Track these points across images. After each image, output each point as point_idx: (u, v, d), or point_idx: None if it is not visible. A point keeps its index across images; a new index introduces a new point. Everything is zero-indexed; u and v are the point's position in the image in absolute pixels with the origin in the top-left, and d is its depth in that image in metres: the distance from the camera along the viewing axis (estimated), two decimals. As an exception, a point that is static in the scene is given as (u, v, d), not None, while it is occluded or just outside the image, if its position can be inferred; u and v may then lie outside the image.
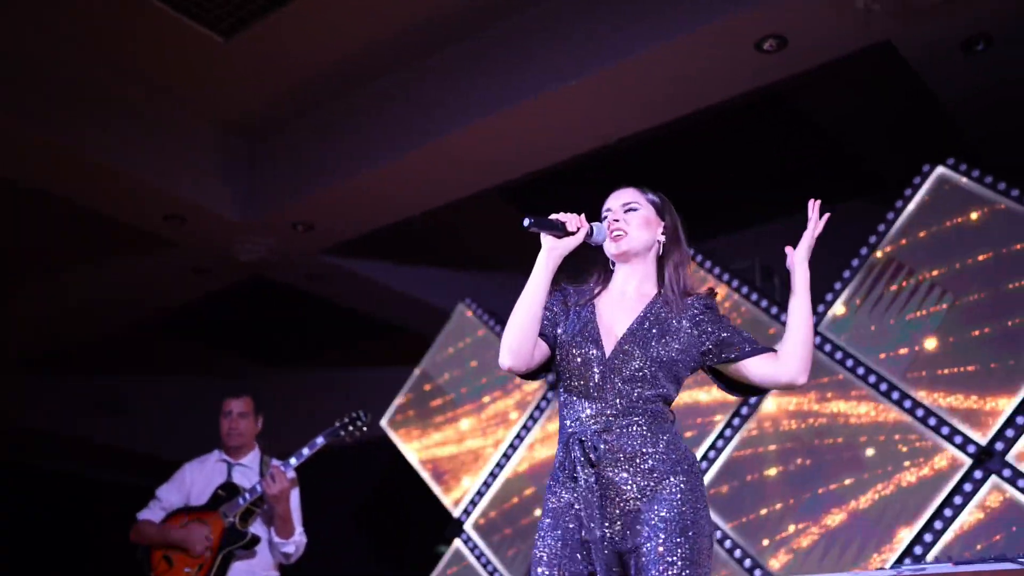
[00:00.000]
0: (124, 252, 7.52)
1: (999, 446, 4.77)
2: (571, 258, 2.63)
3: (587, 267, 2.78)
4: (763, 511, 5.35)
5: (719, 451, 5.62)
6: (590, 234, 2.55)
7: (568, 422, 2.47)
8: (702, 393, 5.85)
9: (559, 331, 2.55)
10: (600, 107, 5.86)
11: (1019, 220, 5.07)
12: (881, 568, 4.87)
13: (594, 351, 2.44)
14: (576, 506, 2.40)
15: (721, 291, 6.00)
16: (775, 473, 5.39)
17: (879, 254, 5.42)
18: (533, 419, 6.52)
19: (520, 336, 2.46)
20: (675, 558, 2.30)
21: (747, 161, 6.82)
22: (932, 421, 4.97)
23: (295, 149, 6.84)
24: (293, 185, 6.83)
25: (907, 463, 5.00)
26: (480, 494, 6.59)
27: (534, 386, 6.66)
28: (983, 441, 4.81)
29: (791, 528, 5.23)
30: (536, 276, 2.48)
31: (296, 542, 4.15)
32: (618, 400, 2.40)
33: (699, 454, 5.69)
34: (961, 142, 5.77)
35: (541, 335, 2.52)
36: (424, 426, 7.04)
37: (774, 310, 5.73)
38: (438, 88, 6.20)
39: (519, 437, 6.55)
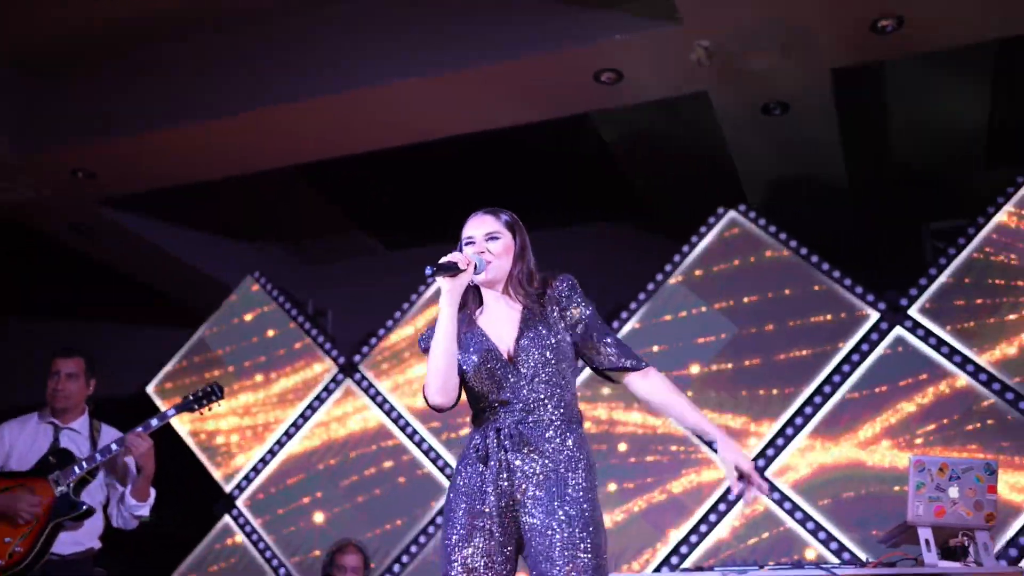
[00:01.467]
0: None
1: (761, 463, 5.48)
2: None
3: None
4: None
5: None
6: (476, 269, 2.73)
7: (484, 416, 2.66)
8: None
9: (459, 359, 2.72)
10: (424, 108, 5.98)
11: (794, 267, 5.83)
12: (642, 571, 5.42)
13: (496, 364, 2.64)
14: (486, 488, 2.60)
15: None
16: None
17: (672, 281, 6.00)
18: (320, 400, 6.52)
19: (446, 377, 2.65)
20: (582, 549, 2.54)
21: (545, 175, 7.19)
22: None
23: (90, 94, 6.33)
24: (80, 129, 6.34)
25: (684, 470, 5.60)
26: (256, 471, 6.49)
27: (319, 369, 6.66)
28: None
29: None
30: (444, 317, 2.63)
31: (150, 505, 3.97)
32: (528, 398, 2.62)
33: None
34: (748, 192, 6.49)
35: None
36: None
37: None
38: (249, 62, 6.02)
39: (303, 417, 6.52)
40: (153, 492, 4.00)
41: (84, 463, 3.83)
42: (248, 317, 6.98)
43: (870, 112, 6.27)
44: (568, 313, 2.74)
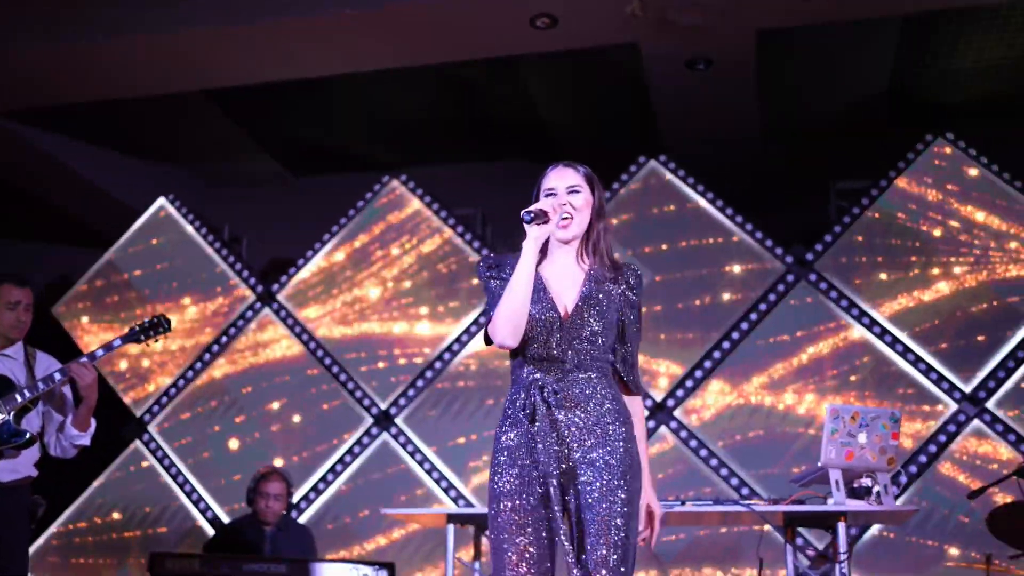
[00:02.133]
0: None
1: (671, 402, 5.80)
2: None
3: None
4: (474, 437, 5.95)
5: (436, 374, 6.11)
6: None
7: (527, 372, 2.75)
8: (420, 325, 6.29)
9: None
10: (356, 41, 5.95)
11: (709, 219, 6.10)
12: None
13: (553, 316, 2.76)
14: (533, 443, 2.71)
15: (446, 234, 6.45)
16: (491, 403, 6.00)
17: (593, 226, 6.18)
18: (236, 327, 6.51)
19: (519, 318, 2.65)
20: (619, 495, 2.71)
21: (466, 111, 7.23)
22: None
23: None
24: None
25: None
26: (169, 396, 6.45)
27: (235, 296, 6.62)
28: (659, 398, 5.80)
29: (483, 460, 5.88)
30: (527, 263, 2.67)
31: (91, 434, 3.94)
32: (574, 358, 2.73)
33: (408, 382, 6.14)
34: (667, 144, 6.70)
35: None
36: (107, 320, 6.68)
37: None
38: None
39: (218, 344, 6.49)
40: (93, 422, 3.98)
41: (27, 391, 3.78)
42: (160, 241, 6.85)
43: (786, 73, 6.53)
44: (629, 302, 2.80)
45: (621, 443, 2.67)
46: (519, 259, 2.79)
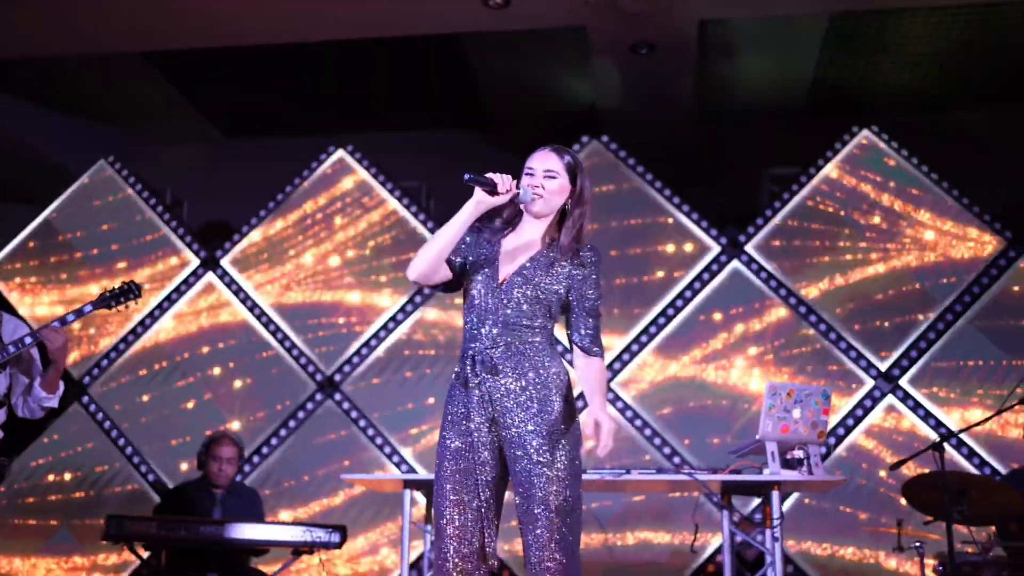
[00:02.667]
0: None
1: (608, 375, 6.05)
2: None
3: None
4: (411, 405, 6.12)
5: (380, 342, 6.25)
6: (518, 195, 3.01)
7: (467, 339, 2.93)
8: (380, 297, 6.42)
9: (467, 261, 2.98)
10: (301, 11, 5.99)
11: (648, 199, 6.36)
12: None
13: (489, 280, 2.93)
14: (469, 409, 2.89)
15: (390, 207, 6.57)
16: (430, 372, 6.18)
17: (537, 202, 6.38)
18: (179, 292, 6.52)
19: (431, 263, 2.86)
20: (557, 464, 2.91)
21: (406, 82, 7.32)
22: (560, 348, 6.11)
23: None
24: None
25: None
26: (109, 359, 6.44)
27: (176, 261, 6.64)
28: (597, 369, 6.06)
29: (425, 426, 6.08)
30: (458, 219, 2.86)
31: (59, 396, 3.98)
32: (506, 324, 2.90)
33: (353, 349, 6.28)
34: (610, 124, 6.92)
35: (447, 262, 2.96)
36: (41, 281, 6.62)
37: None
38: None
39: (160, 308, 6.51)
40: (61, 384, 4.03)
41: (2, 353, 3.81)
42: (99, 203, 6.80)
43: (723, 62, 6.80)
44: (575, 282, 2.92)
45: (555, 412, 2.81)
46: (495, 226, 3.00)
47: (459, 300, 6.15)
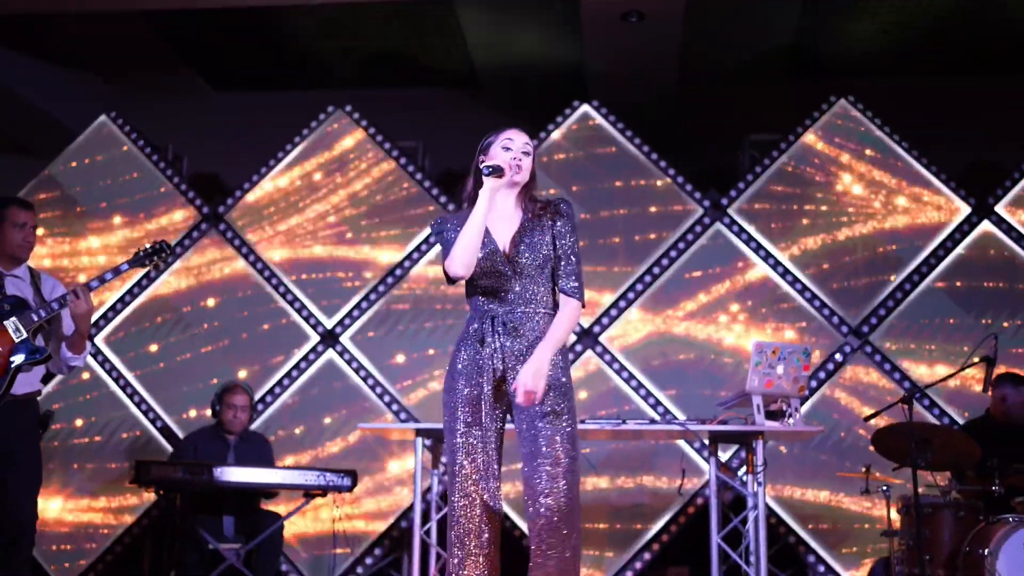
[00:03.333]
0: None
1: (597, 329, 6.42)
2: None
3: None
4: (415, 355, 6.44)
5: (379, 296, 6.54)
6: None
7: (482, 302, 3.22)
8: (350, 251, 6.68)
9: None
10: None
11: (635, 162, 6.66)
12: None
13: (495, 254, 3.25)
14: (481, 363, 3.21)
15: (388, 166, 6.81)
16: (429, 326, 6.49)
17: (529, 164, 6.66)
18: (183, 246, 6.74)
19: (471, 253, 3.13)
20: (565, 416, 3.24)
21: (394, 41, 7.53)
22: (552, 304, 6.44)
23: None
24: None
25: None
26: (115, 311, 6.67)
27: (180, 216, 6.84)
28: (586, 324, 6.40)
29: (436, 372, 6.40)
30: (481, 209, 3.12)
31: (84, 357, 4.22)
32: (519, 289, 3.20)
33: (353, 302, 6.56)
34: (597, 89, 7.18)
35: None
36: (44, 234, 6.79)
37: (434, 190, 6.73)
38: None
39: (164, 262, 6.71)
40: (89, 345, 4.28)
41: (42, 311, 4.04)
42: (101, 158, 6.96)
43: (708, 28, 7.07)
44: (557, 231, 3.26)
45: (559, 368, 3.17)
46: (465, 211, 3.27)
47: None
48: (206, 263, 6.73)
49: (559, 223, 3.27)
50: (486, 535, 3.13)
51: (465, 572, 3.10)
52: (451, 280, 3.23)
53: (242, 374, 6.46)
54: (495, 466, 3.17)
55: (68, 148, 6.95)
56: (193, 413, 6.45)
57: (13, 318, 4.03)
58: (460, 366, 3.22)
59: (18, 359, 4.01)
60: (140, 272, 6.68)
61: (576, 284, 3.25)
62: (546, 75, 7.63)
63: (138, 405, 6.51)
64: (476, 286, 3.25)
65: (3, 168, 7.73)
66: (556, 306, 3.27)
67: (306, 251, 6.70)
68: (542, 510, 3.06)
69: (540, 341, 3.16)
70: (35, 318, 4.05)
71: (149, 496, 6.17)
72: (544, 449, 3.10)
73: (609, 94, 7.02)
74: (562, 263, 3.25)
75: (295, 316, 6.59)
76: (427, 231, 6.62)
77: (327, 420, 6.42)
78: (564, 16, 6.91)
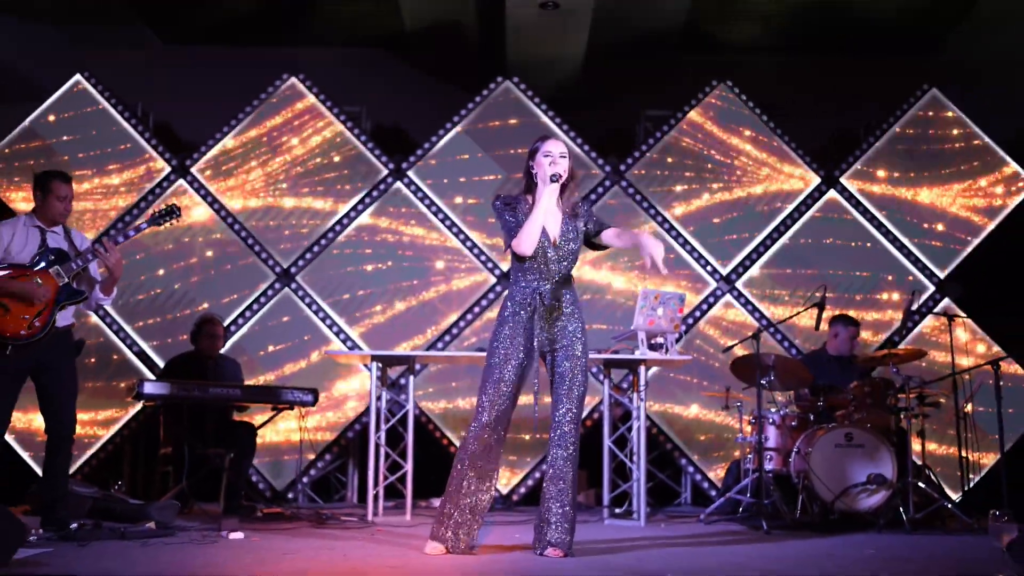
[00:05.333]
0: None
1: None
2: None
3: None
4: (359, 293, 7.58)
5: (328, 242, 7.63)
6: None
7: (530, 278, 4.26)
8: (318, 202, 7.73)
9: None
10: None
11: (548, 130, 7.84)
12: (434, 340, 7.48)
13: (546, 243, 4.37)
14: (525, 325, 4.26)
15: (336, 129, 7.84)
16: (370, 268, 7.63)
17: (459, 130, 7.79)
18: (154, 194, 7.69)
19: (535, 238, 4.21)
20: (578, 362, 4.38)
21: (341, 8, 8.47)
22: (476, 251, 7.65)
23: None
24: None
25: (460, 275, 7.64)
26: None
27: (151, 167, 7.77)
28: (505, 268, 7.63)
29: (377, 307, 7.56)
30: (542, 206, 4.20)
31: (112, 299, 5.25)
32: (558, 271, 4.32)
33: (305, 247, 7.63)
34: (515, 62, 8.29)
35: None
36: (27, 180, 7.61)
37: (376, 150, 7.80)
38: None
39: (137, 208, 7.68)
40: (115, 288, 5.31)
41: (80, 260, 5.04)
42: (77, 113, 7.80)
43: (611, 12, 8.22)
44: (588, 225, 4.38)
45: (579, 335, 4.34)
46: (520, 199, 4.35)
47: (392, 208, 7.45)
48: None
49: (586, 220, 4.40)
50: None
51: (462, 480, 4.27)
52: (515, 255, 4.28)
53: (206, 306, 7.50)
54: (513, 397, 4.26)
55: (45, 104, 7.76)
56: (169, 340, 7.47)
57: (56, 267, 5.04)
58: (510, 322, 4.26)
59: (61, 299, 5.03)
60: (116, 218, 7.62)
61: (606, 224, 4.43)
62: (469, 49, 8.69)
63: (116, 332, 7.50)
64: (524, 265, 4.31)
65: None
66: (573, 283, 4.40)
67: (264, 201, 7.72)
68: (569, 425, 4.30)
69: (576, 309, 4.34)
70: (73, 267, 5.06)
71: (124, 412, 7.22)
72: (571, 379, 4.28)
73: (525, 69, 8.14)
74: (601, 227, 4.40)
75: (254, 258, 7.64)
76: (370, 185, 7.73)
77: (284, 346, 7.54)
78: (491, 6, 7.95)
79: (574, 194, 4.44)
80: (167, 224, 5.40)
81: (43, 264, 5.03)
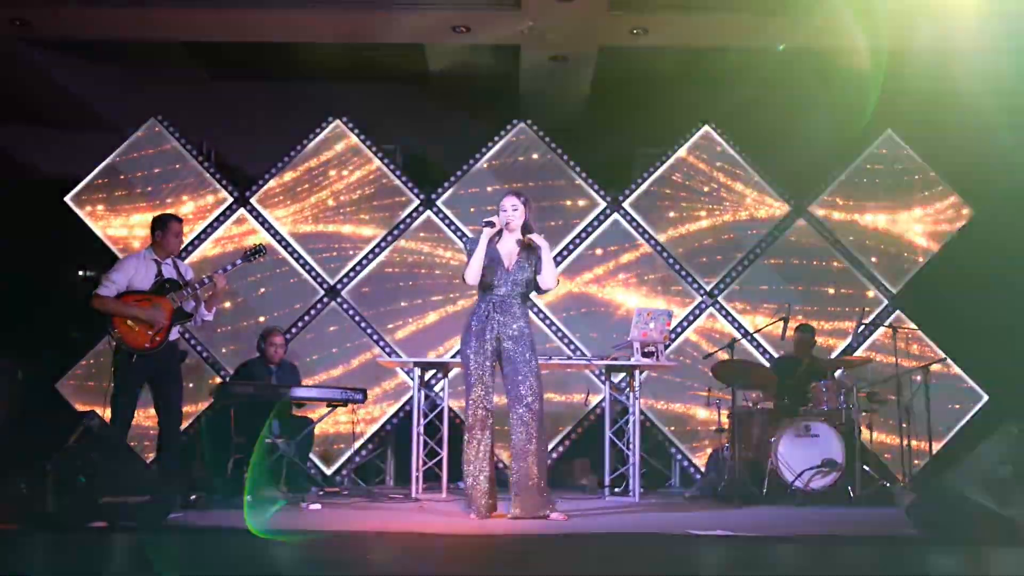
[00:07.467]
0: None
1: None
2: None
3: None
4: (397, 305, 8.87)
5: (369, 262, 8.91)
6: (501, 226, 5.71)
7: (489, 297, 5.62)
8: (345, 226, 9.01)
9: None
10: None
11: (557, 166, 9.11)
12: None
13: (501, 269, 5.63)
14: (487, 332, 5.59)
15: (374, 166, 9.11)
16: (404, 285, 8.92)
17: (484, 166, 9.06)
18: (219, 221, 8.95)
19: (475, 272, 5.53)
20: (529, 363, 5.70)
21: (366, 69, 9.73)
22: (496, 270, 8.93)
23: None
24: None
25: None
26: (168, 270, 8.86)
27: (213, 199, 9.04)
28: (520, 285, 8.90)
29: (411, 318, 8.86)
30: (482, 247, 5.49)
31: (214, 314, 6.55)
32: (509, 291, 5.59)
33: (349, 266, 8.91)
34: (526, 107, 9.56)
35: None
36: (117, 211, 8.90)
37: (409, 183, 9.08)
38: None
39: (205, 233, 8.95)
40: (215, 308, 6.59)
41: (190, 288, 6.31)
42: (152, 151, 9.07)
43: (617, 68, 9.50)
44: (538, 260, 5.65)
45: (527, 340, 5.61)
46: (478, 240, 5.67)
47: (423, 234, 8.75)
48: (235, 235, 8.96)
49: (540, 257, 5.65)
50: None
51: (471, 447, 5.60)
52: (470, 285, 5.61)
53: (262, 319, 8.76)
54: (492, 390, 5.56)
55: (126, 143, 9.02)
56: (230, 349, 8.74)
57: (171, 293, 6.31)
58: (474, 332, 5.58)
59: (175, 321, 6.31)
60: (189, 238, 8.89)
61: (552, 282, 5.68)
62: (489, 94, 9.96)
63: (188, 341, 8.77)
64: (486, 287, 5.62)
65: (27, 135, 9.66)
66: (527, 303, 5.72)
67: (312, 227, 8.99)
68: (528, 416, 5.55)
69: (523, 320, 5.62)
70: (186, 293, 6.34)
71: (196, 408, 8.50)
72: (523, 382, 5.54)
73: (536, 111, 9.42)
74: (542, 271, 5.63)
75: (305, 275, 8.92)
76: (404, 213, 9.01)
77: (331, 352, 8.82)
78: (506, 53, 9.22)
79: (532, 232, 5.64)
80: (257, 260, 6.69)
81: (160, 291, 6.31)
